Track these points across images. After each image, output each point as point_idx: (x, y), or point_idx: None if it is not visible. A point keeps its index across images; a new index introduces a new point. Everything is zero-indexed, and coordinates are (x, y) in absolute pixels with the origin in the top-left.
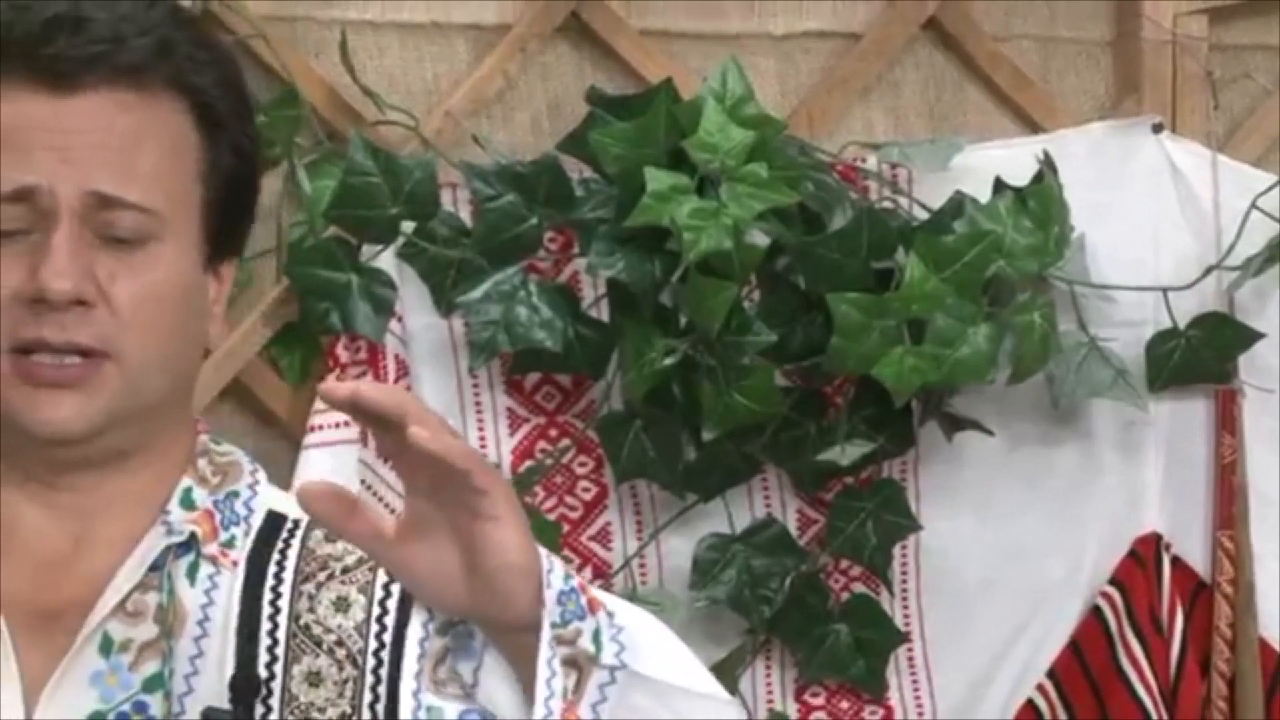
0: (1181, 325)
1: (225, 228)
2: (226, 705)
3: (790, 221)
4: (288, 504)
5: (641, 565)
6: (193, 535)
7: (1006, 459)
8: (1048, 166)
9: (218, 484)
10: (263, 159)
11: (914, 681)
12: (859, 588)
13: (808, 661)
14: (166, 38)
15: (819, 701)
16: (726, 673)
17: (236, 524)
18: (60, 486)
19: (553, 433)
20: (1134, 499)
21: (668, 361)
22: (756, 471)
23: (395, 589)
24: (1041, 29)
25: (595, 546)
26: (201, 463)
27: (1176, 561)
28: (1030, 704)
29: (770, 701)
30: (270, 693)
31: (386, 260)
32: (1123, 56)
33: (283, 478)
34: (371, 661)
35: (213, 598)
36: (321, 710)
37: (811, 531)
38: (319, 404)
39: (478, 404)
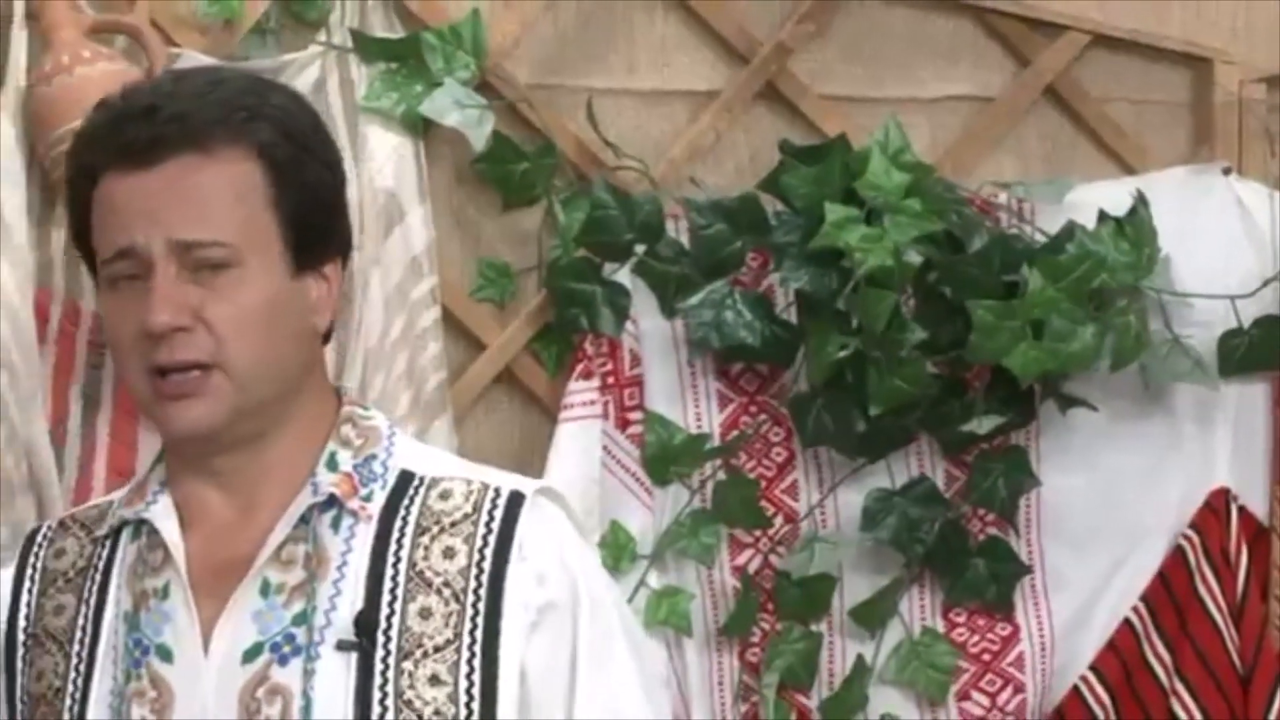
0: (1245, 325)
1: (309, 242)
2: (354, 637)
3: (938, 244)
4: (420, 461)
5: (822, 513)
6: (332, 495)
7: (1108, 429)
8: (1140, 202)
9: (360, 446)
10: (526, 197)
11: (1035, 604)
12: (992, 530)
13: (952, 588)
14: (223, 106)
15: (961, 620)
16: (888, 597)
17: (374, 480)
18: (219, 469)
19: (753, 409)
20: (1208, 461)
21: (842, 354)
22: (912, 439)
23: (492, 540)
24: (1136, 93)
25: (785, 498)
26: (345, 429)
27: (1242, 510)
28: (1127, 622)
29: (923, 619)
30: (390, 626)
31: (623, 275)
32: (1199, 115)
33: (543, 446)
34: (471, 598)
35: (351, 545)
36: (430, 638)
37: (955, 486)
38: (571, 386)
39: (694, 387)
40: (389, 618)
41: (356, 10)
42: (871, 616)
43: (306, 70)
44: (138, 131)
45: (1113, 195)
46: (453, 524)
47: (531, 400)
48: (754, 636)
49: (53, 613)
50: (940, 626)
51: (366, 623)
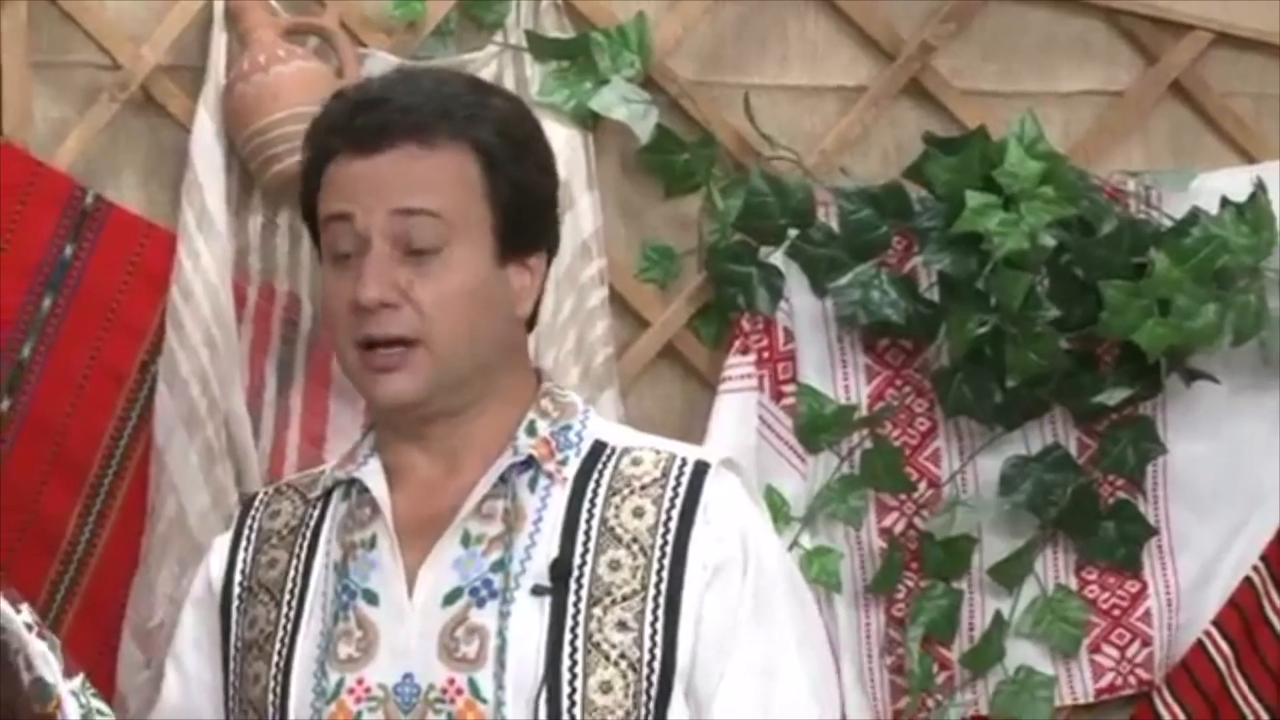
0: None
1: (516, 235)
2: (548, 583)
3: (1071, 229)
4: (611, 433)
5: (962, 478)
6: (531, 457)
7: (1230, 400)
8: (1260, 188)
9: (557, 417)
10: (687, 185)
11: (1162, 563)
12: (1121, 495)
13: (1084, 548)
14: (446, 108)
15: (1092, 578)
16: (1024, 557)
17: (570, 448)
18: (426, 435)
19: (898, 382)
20: None
21: (981, 330)
22: (1046, 410)
23: (679, 503)
24: (1256, 88)
25: (929, 465)
26: (544, 402)
27: None
28: (1247, 580)
29: (1057, 577)
30: (581, 574)
31: (777, 257)
32: None
33: (703, 417)
34: (657, 554)
35: (546, 503)
36: (619, 588)
37: (1087, 454)
38: (729, 360)
39: (843, 361)
40: (580, 567)
41: (530, 13)
42: (1009, 574)
43: (484, 69)
44: (367, 118)
45: (1234, 183)
46: (642, 487)
47: (692, 374)
48: (899, 593)
49: (267, 566)
50: (1073, 584)
51: (561, 569)
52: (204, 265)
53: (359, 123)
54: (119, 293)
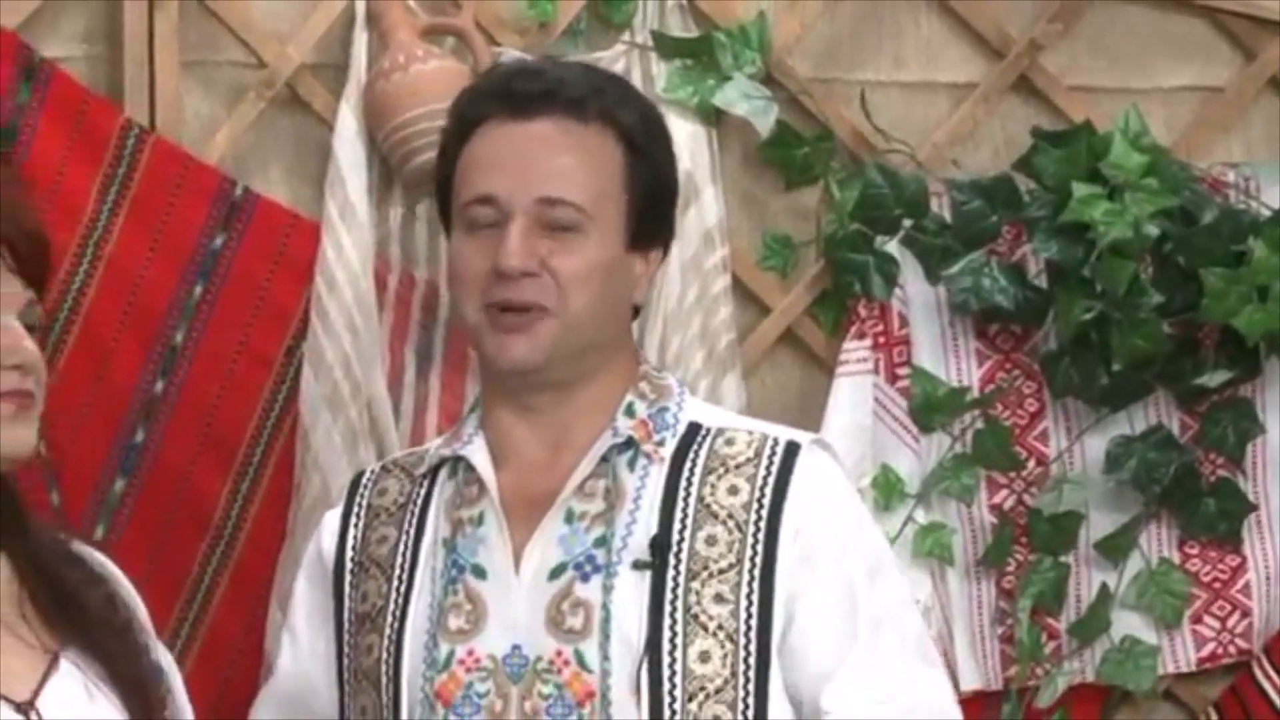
0: None
1: (645, 223)
2: (649, 558)
3: (1173, 218)
4: (706, 415)
5: (1070, 457)
6: (630, 438)
7: None
8: None
9: (654, 399)
10: (806, 178)
11: (1261, 538)
12: (1222, 473)
13: (1186, 524)
14: (599, 86)
15: (1194, 552)
16: (1129, 532)
17: (666, 429)
18: (533, 406)
19: (1008, 365)
20: None
21: (1088, 316)
22: (1150, 392)
23: (771, 480)
24: None
25: (1037, 444)
26: (642, 384)
27: None
28: None
29: (1160, 551)
30: (680, 549)
31: (892, 246)
32: None
33: (821, 399)
34: (752, 529)
35: (644, 482)
36: (715, 562)
37: (1189, 434)
38: (846, 345)
39: (956, 346)
40: (679, 543)
41: (656, 13)
42: (1114, 549)
43: (613, 67)
44: (525, 85)
45: None
46: (737, 466)
47: (811, 358)
48: (1009, 566)
49: (376, 543)
50: (1176, 558)
51: (660, 544)
52: (347, 254)
53: (517, 86)
54: (266, 280)
